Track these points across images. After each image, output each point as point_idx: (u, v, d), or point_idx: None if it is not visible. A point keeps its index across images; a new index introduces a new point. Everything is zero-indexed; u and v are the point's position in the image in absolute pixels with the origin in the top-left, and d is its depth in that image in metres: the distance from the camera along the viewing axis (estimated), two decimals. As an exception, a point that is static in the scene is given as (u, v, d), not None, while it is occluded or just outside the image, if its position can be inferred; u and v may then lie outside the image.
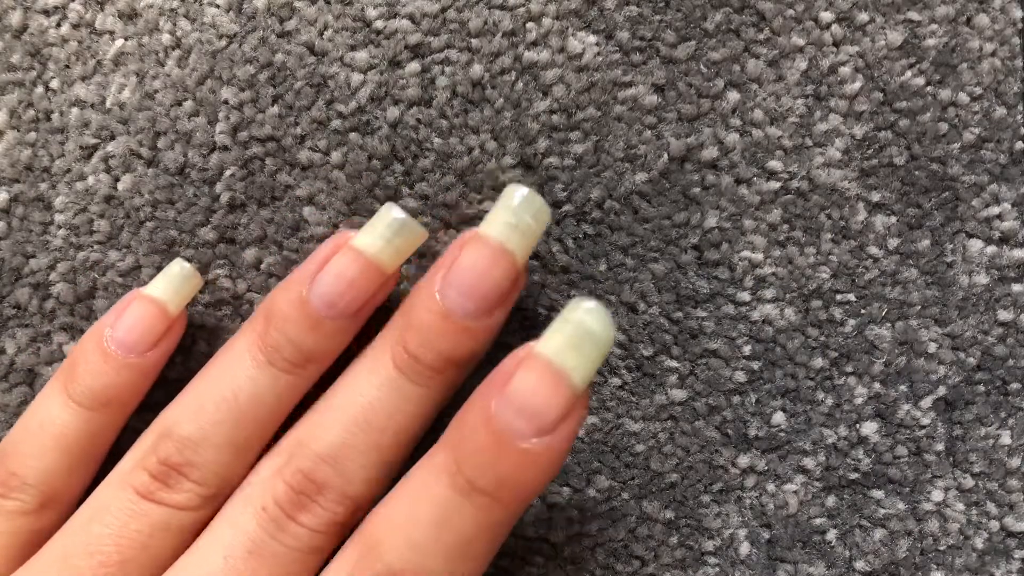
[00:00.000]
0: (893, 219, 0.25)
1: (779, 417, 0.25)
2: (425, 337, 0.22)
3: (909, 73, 0.25)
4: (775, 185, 0.25)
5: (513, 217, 0.22)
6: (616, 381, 0.25)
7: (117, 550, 0.22)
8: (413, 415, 0.23)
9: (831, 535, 0.25)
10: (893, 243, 0.25)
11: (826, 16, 0.24)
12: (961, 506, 0.25)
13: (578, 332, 0.20)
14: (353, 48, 0.25)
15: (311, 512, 0.22)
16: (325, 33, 0.25)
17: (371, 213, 0.25)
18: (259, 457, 0.24)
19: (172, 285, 0.24)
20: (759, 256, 0.25)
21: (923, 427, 0.25)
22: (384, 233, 0.23)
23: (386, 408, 0.22)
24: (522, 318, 0.25)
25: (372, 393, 0.22)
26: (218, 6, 0.25)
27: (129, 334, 0.24)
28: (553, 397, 0.20)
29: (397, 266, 0.23)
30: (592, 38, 0.25)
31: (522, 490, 0.20)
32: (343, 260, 0.23)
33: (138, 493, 0.23)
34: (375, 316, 0.24)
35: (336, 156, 0.25)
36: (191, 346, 0.26)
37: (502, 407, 0.20)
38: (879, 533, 0.25)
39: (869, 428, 0.25)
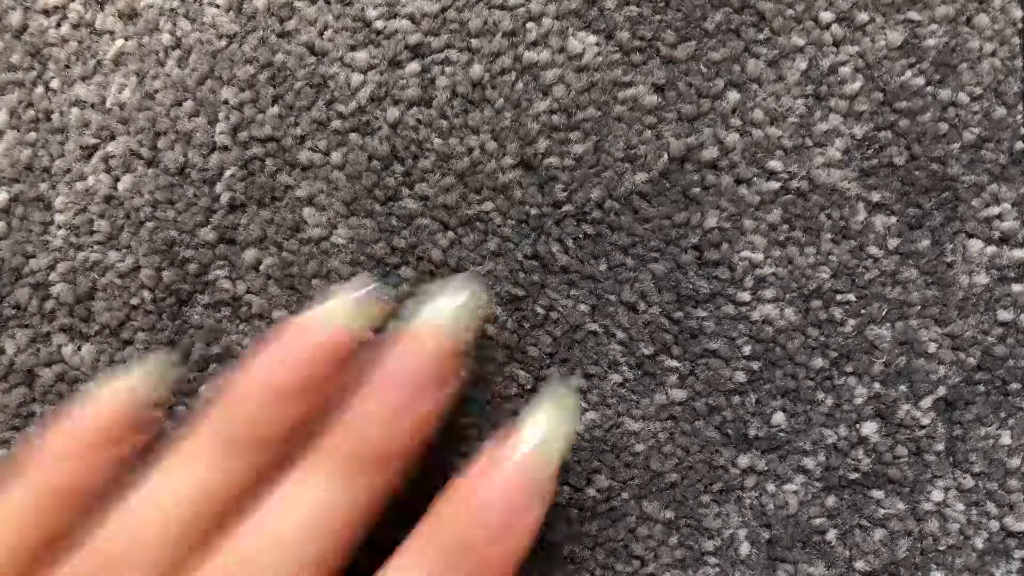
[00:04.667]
0: (893, 219, 0.25)
1: (779, 417, 0.25)
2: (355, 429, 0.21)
3: (909, 73, 0.25)
4: (775, 185, 0.25)
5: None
6: (616, 378, 0.25)
7: None
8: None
9: (831, 535, 0.25)
10: (893, 243, 0.25)
11: (826, 16, 0.24)
12: (961, 506, 0.25)
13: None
14: (353, 48, 0.25)
15: None
16: (325, 33, 0.25)
17: (370, 214, 0.25)
18: None
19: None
20: (759, 256, 0.25)
21: (923, 427, 0.25)
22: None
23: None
24: (520, 318, 0.25)
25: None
26: (218, 6, 0.25)
27: None
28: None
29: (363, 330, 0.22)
30: (592, 38, 0.25)
31: None
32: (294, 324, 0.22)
33: None
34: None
35: (336, 156, 0.25)
36: (189, 348, 0.26)
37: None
38: (879, 533, 0.25)
39: (869, 428, 0.25)
